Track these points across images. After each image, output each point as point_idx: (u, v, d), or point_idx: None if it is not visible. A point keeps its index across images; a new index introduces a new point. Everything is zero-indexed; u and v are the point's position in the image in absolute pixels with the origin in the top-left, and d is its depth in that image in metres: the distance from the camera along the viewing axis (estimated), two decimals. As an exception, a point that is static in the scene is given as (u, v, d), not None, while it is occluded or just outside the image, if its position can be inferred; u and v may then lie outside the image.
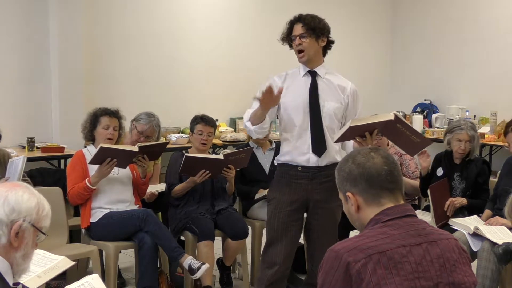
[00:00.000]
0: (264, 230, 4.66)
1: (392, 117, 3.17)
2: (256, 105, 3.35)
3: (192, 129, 4.63)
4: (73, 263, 3.15)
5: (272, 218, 3.57)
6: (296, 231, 3.61)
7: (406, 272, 1.75)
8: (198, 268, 3.96)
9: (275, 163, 3.68)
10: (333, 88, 3.54)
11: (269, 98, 3.25)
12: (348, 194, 1.92)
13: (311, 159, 3.48)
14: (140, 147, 4.18)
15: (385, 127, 3.25)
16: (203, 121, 4.57)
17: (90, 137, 4.36)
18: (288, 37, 3.54)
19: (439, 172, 4.50)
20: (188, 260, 4.00)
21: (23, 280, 2.05)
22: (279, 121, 3.60)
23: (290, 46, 3.58)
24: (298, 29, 3.49)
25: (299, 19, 3.52)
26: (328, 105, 3.49)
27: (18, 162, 4.17)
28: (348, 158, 1.96)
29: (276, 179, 3.63)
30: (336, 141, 3.41)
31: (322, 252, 3.51)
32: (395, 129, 3.24)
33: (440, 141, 5.71)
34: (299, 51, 3.51)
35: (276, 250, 3.55)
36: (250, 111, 3.44)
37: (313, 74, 3.54)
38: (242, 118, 6.99)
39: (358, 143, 3.28)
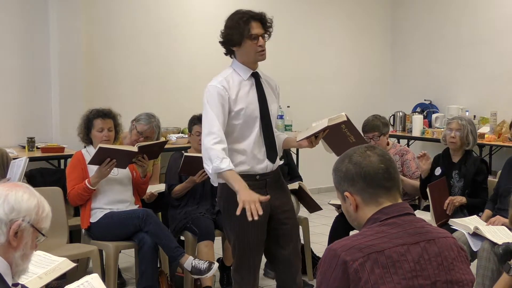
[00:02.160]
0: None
1: (345, 118, 3.15)
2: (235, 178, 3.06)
3: (190, 129, 4.64)
4: (74, 264, 3.15)
5: (243, 233, 3.27)
6: (264, 239, 3.35)
7: (404, 271, 1.75)
8: (208, 269, 3.94)
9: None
10: (270, 88, 3.39)
11: None
12: (346, 194, 1.91)
13: (268, 166, 3.30)
14: (139, 147, 4.18)
15: (332, 127, 3.20)
16: (200, 121, 4.56)
17: (87, 140, 4.36)
18: (246, 35, 3.20)
19: (437, 171, 4.51)
20: (190, 261, 4.00)
21: (24, 281, 2.05)
22: (227, 131, 3.23)
23: (234, 44, 3.25)
24: (259, 28, 3.24)
25: (261, 17, 3.26)
26: (274, 108, 3.35)
27: (20, 164, 4.18)
28: (344, 158, 1.95)
29: (230, 191, 3.16)
30: (300, 140, 3.28)
31: (297, 254, 3.41)
32: (338, 129, 3.19)
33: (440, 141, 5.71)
34: (262, 51, 3.26)
35: (250, 263, 3.33)
36: (220, 166, 3.04)
37: (256, 76, 3.33)
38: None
39: (309, 142, 3.23)
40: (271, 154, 3.31)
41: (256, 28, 3.23)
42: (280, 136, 3.48)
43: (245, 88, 3.28)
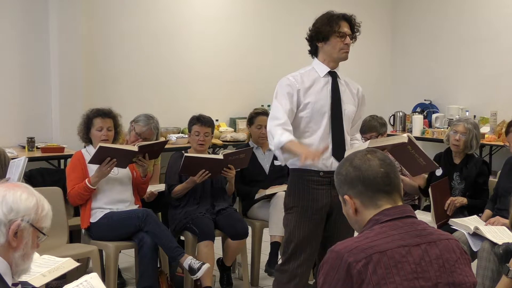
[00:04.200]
0: (265, 230, 4.68)
1: (405, 140, 3.21)
2: (294, 145, 3.14)
3: (189, 130, 4.63)
4: (78, 264, 3.17)
5: (297, 227, 3.32)
6: (320, 239, 3.38)
7: (405, 272, 1.75)
8: (199, 268, 3.96)
9: (290, 167, 3.40)
10: (349, 91, 3.45)
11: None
12: (346, 197, 1.93)
13: (333, 164, 3.28)
14: (139, 147, 4.18)
15: (395, 147, 3.28)
16: (199, 121, 4.57)
17: (86, 140, 4.35)
18: (336, 31, 3.33)
19: (438, 172, 4.49)
20: (188, 260, 4.01)
21: (27, 278, 2.05)
22: (294, 123, 3.32)
23: (322, 38, 3.35)
24: (348, 28, 3.37)
25: (351, 19, 3.42)
26: (349, 109, 3.40)
27: (19, 164, 4.18)
28: (345, 161, 1.98)
29: (294, 185, 3.37)
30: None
31: None
32: (405, 150, 3.26)
33: (440, 141, 5.71)
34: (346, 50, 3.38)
35: (299, 261, 3.34)
36: (283, 139, 3.14)
37: (333, 75, 3.40)
38: (242, 118, 7.04)
39: None
40: (337, 151, 3.31)
41: (345, 27, 3.37)
42: (355, 145, 3.46)
43: (319, 84, 3.37)
